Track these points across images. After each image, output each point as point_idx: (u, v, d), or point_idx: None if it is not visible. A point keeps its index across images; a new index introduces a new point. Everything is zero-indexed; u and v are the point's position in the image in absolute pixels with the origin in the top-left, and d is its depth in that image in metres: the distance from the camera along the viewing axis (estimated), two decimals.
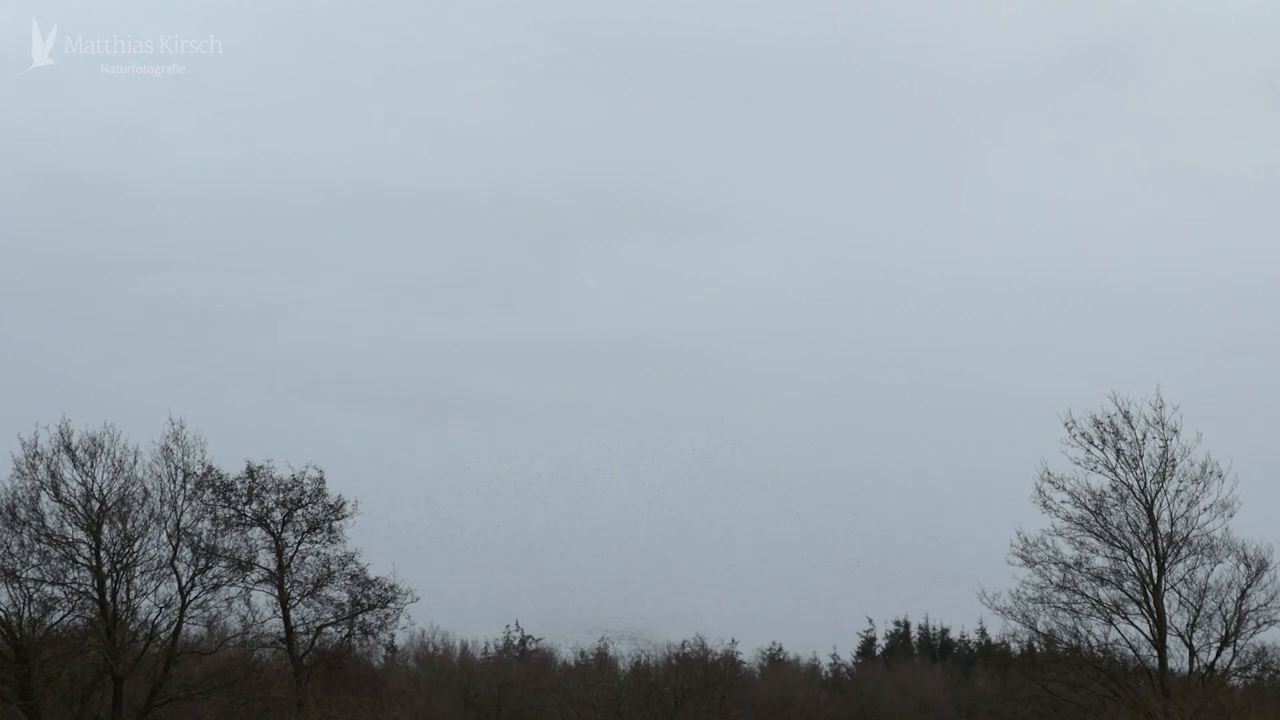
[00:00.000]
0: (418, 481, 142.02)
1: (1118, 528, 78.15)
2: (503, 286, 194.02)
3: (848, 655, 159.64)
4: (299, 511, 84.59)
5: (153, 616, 76.91)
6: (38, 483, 74.09)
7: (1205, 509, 77.35)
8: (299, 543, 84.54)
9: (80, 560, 74.30)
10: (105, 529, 74.66)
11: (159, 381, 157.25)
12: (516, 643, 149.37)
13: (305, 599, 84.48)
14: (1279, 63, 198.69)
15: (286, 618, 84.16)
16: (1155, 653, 78.01)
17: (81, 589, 74.38)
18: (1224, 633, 77.97)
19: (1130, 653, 78.89)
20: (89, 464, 74.76)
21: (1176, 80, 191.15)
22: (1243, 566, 77.77)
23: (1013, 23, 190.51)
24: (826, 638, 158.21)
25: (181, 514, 77.44)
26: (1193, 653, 78.35)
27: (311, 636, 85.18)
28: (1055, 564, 79.11)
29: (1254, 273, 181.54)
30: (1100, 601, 78.60)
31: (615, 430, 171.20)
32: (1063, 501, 78.76)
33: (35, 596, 73.44)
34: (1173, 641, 78.14)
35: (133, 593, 75.87)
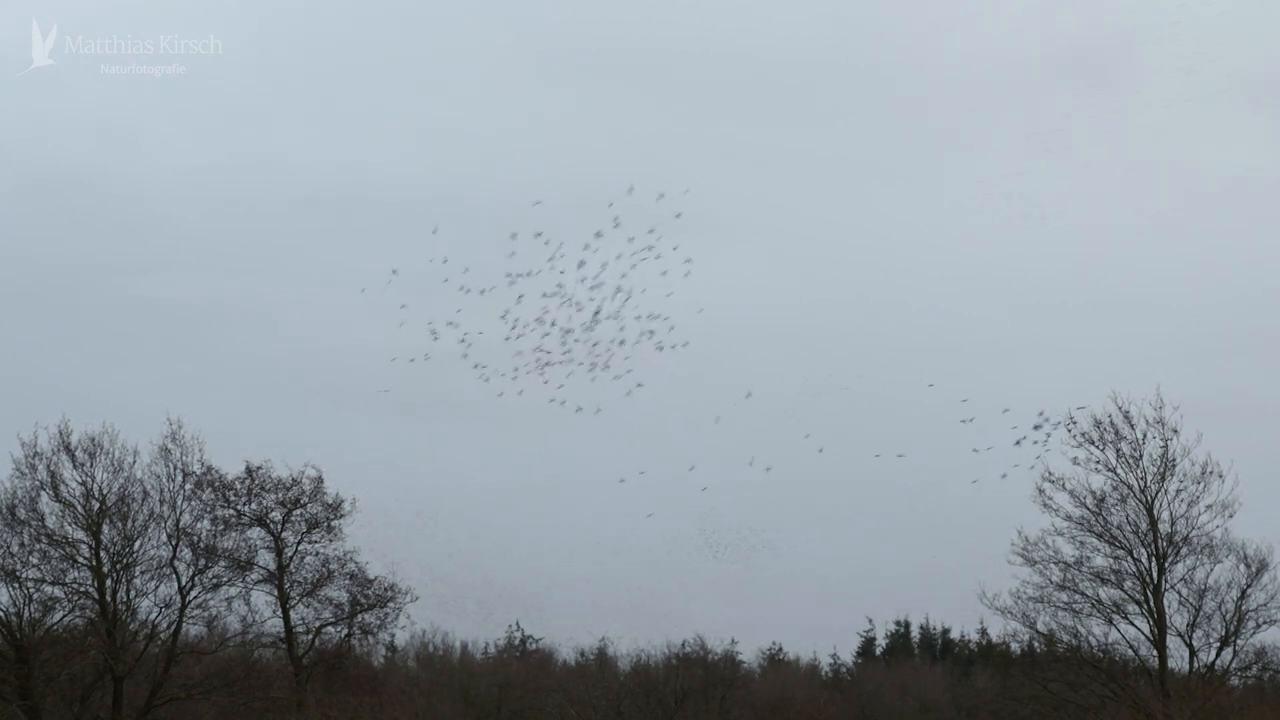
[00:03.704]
0: (416, 481, 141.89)
1: (1118, 527, 78.20)
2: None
3: (848, 655, 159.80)
4: (298, 511, 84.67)
5: (153, 616, 77.13)
6: (37, 483, 74.23)
7: (1205, 509, 77.49)
8: (298, 542, 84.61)
9: (80, 560, 74.33)
10: (105, 529, 74.72)
11: (158, 381, 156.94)
12: (516, 643, 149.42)
13: (305, 599, 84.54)
14: (1254, 63, 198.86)
15: (286, 618, 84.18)
16: (1155, 653, 78.00)
17: (81, 589, 74.43)
18: (1224, 633, 77.97)
19: (1130, 653, 78.93)
20: (88, 464, 74.88)
21: (1162, 82, 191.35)
22: (1243, 566, 77.84)
23: (1006, 24, 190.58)
24: (826, 638, 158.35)
25: (181, 514, 77.66)
26: (1193, 653, 78.36)
27: (311, 636, 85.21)
28: (1055, 563, 79.19)
29: (1255, 273, 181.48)
30: (1100, 601, 78.64)
31: (612, 429, 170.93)
32: (1063, 501, 79.00)
33: (35, 596, 73.50)
34: (1173, 641, 78.21)
35: (133, 593, 75.97)
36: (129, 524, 75.31)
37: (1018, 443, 79.98)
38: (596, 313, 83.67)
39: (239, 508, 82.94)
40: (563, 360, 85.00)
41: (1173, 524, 77.57)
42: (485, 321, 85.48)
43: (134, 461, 76.16)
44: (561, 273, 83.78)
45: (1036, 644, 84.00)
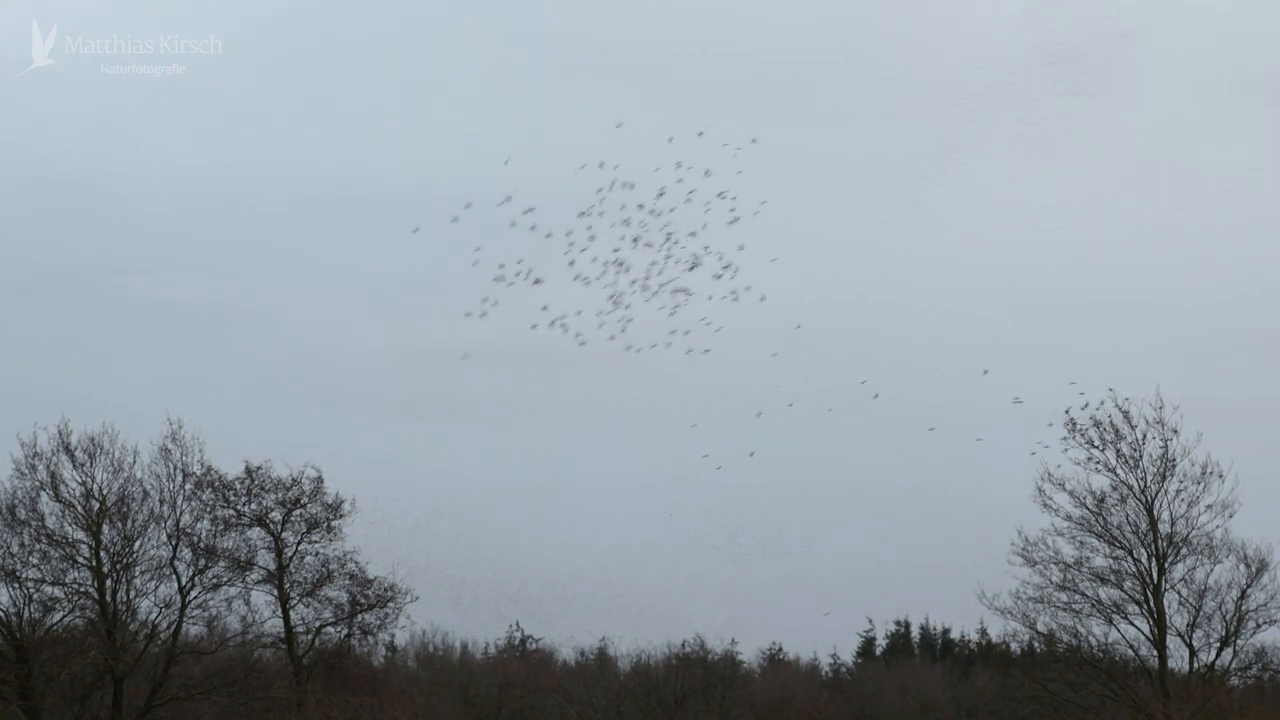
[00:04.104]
0: (417, 481, 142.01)
1: (1118, 527, 78.25)
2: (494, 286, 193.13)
3: (848, 655, 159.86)
4: (298, 511, 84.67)
5: (153, 616, 77.09)
6: (37, 483, 74.19)
7: (1205, 509, 77.55)
8: (298, 542, 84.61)
9: (80, 560, 74.33)
10: (105, 529, 74.71)
11: (158, 381, 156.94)
12: (516, 643, 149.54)
13: (305, 599, 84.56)
14: (1248, 63, 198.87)
15: (286, 618, 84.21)
16: (1155, 653, 78.04)
17: (81, 589, 74.42)
18: (1224, 633, 78.02)
19: (1130, 653, 78.99)
20: (88, 464, 74.85)
21: (1155, 81, 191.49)
22: (1243, 566, 77.89)
23: (1007, 24, 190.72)
24: (826, 638, 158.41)
25: (181, 514, 77.64)
26: (1193, 653, 78.41)
27: (311, 636, 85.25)
28: (1055, 564, 79.25)
29: (1255, 273, 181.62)
30: (1100, 601, 78.70)
31: (609, 429, 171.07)
32: (1063, 501, 79.05)
33: (35, 596, 73.47)
34: (1173, 641, 78.27)
35: (133, 593, 75.95)
36: (129, 524, 75.32)
37: (1067, 413, 79.21)
38: (668, 250, 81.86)
39: (239, 508, 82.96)
40: (635, 291, 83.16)
41: (1173, 524, 77.64)
42: (551, 263, 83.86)
43: (134, 461, 76.23)
44: (622, 224, 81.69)
45: (1036, 644, 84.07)
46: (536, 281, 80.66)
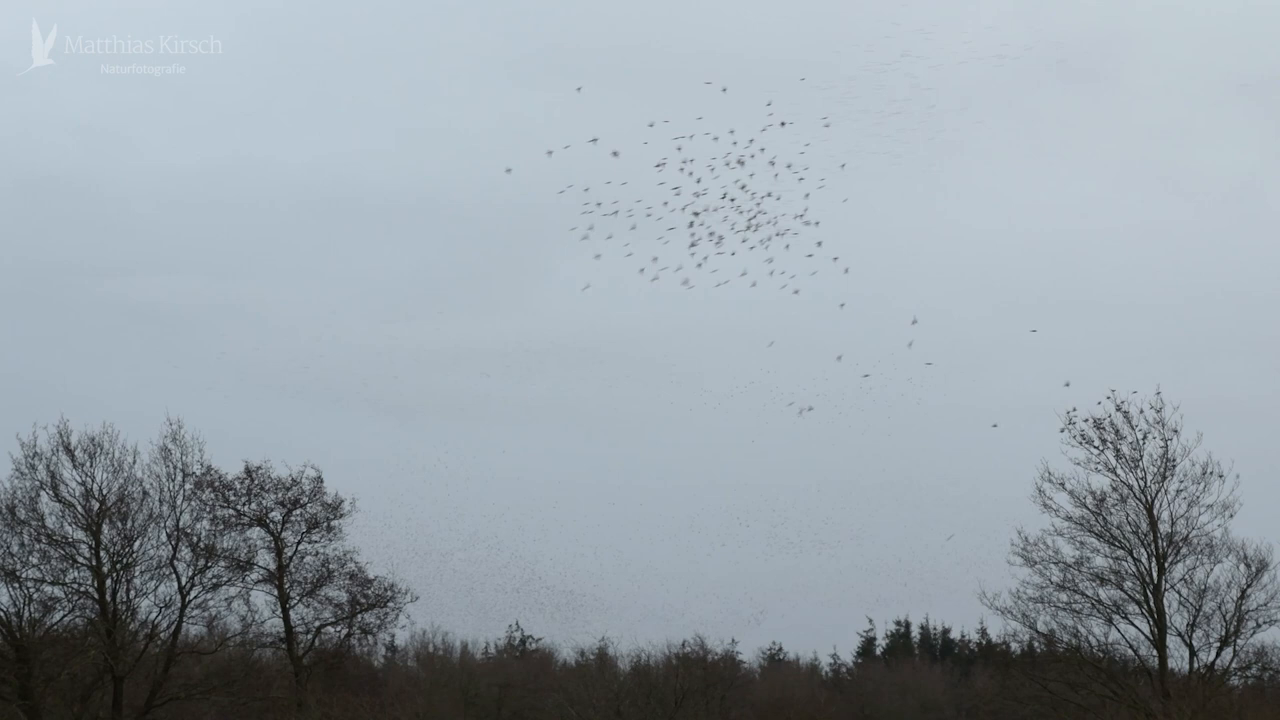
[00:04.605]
0: (413, 482, 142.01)
1: (1118, 528, 78.19)
2: (489, 288, 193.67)
3: (848, 655, 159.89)
4: (297, 511, 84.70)
5: (153, 616, 77.09)
6: (37, 483, 74.20)
7: (1206, 509, 77.47)
8: (298, 542, 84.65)
9: (80, 560, 74.35)
10: (105, 529, 74.72)
11: (156, 381, 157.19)
12: (516, 643, 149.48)
13: (305, 599, 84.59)
14: (1246, 65, 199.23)
15: (286, 617, 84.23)
16: (1155, 653, 78.00)
17: (81, 589, 74.44)
18: (1224, 633, 77.94)
19: (1130, 653, 78.91)
20: (88, 464, 74.84)
21: (1152, 83, 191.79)
22: (1243, 566, 77.78)
23: (1007, 24, 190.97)
24: (826, 638, 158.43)
25: (181, 514, 77.65)
26: (1193, 653, 78.36)
27: (311, 636, 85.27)
28: (1055, 564, 79.19)
29: (1255, 273, 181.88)
30: (1100, 601, 78.64)
31: (607, 430, 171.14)
32: (1063, 501, 79.03)
33: (35, 596, 73.51)
34: (1173, 641, 78.19)
35: (133, 592, 75.97)
36: (129, 524, 75.34)
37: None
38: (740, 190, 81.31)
39: (239, 508, 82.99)
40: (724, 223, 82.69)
41: (1173, 524, 77.56)
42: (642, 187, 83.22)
43: (134, 461, 76.27)
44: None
45: (1036, 644, 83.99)
46: (630, 215, 79.93)
